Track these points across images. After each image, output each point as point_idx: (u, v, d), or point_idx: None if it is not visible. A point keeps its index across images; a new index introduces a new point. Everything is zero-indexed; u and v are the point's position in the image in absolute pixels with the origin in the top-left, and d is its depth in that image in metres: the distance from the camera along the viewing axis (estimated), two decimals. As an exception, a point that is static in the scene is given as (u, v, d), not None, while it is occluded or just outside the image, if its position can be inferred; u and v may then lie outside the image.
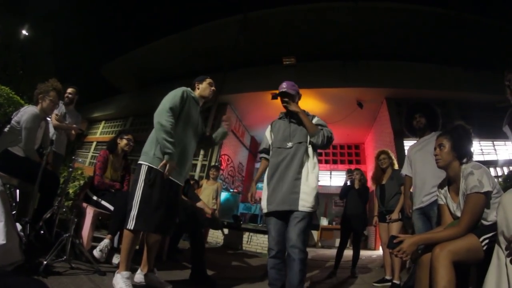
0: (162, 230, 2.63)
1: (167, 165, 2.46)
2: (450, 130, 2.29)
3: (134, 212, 2.44)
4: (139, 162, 2.61)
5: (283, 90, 2.87)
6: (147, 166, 2.54)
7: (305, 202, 2.53)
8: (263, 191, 2.82)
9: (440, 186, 2.37)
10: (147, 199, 2.46)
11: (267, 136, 3.03)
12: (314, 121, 2.84)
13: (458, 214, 2.08)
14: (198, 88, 3.01)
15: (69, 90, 4.70)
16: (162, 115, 2.55)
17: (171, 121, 2.53)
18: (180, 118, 2.70)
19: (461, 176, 2.07)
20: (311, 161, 2.71)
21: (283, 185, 2.63)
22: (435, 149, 2.27)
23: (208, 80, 3.06)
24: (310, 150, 2.75)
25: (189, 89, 2.90)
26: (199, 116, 3.00)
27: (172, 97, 2.67)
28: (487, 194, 1.91)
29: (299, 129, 2.81)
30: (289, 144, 2.76)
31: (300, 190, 2.57)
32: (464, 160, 2.15)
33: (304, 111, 2.89)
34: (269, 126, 3.07)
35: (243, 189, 13.60)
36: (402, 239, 1.94)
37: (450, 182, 2.25)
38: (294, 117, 2.88)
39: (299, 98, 3.00)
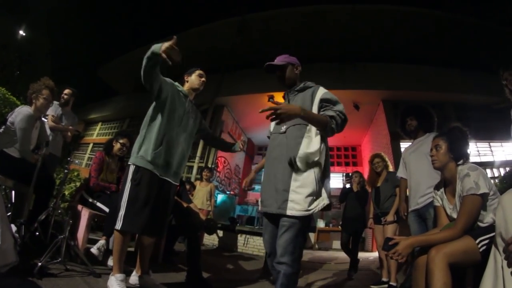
0: (151, 231, 2.59)
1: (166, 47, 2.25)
2: (447, 132, 2.30)
3: (121, 212, 2.42)
4: (128, 162, 2.59)
5: (271, 63, 2.37)
6: (134, 166, 2.51)
7: (295, 204, 1.97)
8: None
9: (437, 187, 2.38)
10: (134, 198, 2.43)
11: (271, 126, 2.48)
12: (319, 95, 2.19)
13: (454, 215, 2.08)
14: (187, 81, 2.96)
15: (66, 91, 4.70)
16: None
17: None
18: (164, 111, 2.62)
19: (458, 177, 2.08)
20: (312, 147, 2.07)
21: (272, 181, 2.12)
22: (431, 150, 2.28)
23: (198, 72, 2.98)
24: (312, 133, 2.11)
25: (176, 83, 2.85)
26: (193, 111, 2.92)
27: None
28: (483, 196, 1.91)
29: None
30: (283, 128, 2.20)
31: (289, 189, 2.02)
32: (461, 162, 2.16)
33: (305, 83, 2.34)
34: None
35: (239, 191, 13.57)
36: (398, 241, 1.94)
37: (447, 184, 2.26)
38: (293, 94, 2.34)
39: (297, 69, 2.42)
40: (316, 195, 2.01)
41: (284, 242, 1.94)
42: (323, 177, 2.09)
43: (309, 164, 2.04)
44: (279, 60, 2.36)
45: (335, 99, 2.18)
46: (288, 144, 2.12)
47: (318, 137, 2.11)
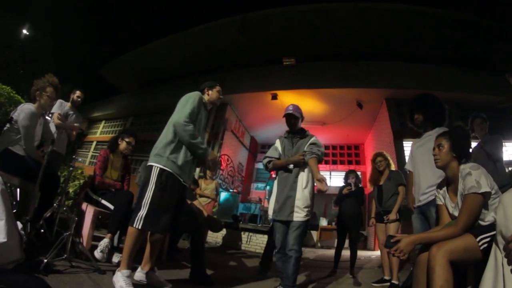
0: (168, 230, 2.70)
1: (211, 162, 2.87)
2: (449, 131, 2.32)
3: (143, 212, 2.46)
4: (150, 163, 2.63)
5: (290, 112, 3.29)
6: (158, 168, 2.57)
7: (298, 214, 3.01)
8: (271, 200, 3.31)
9: (439, 186, 2.39)
10: (157, 201, 2.50)
11: (278, 148, 3.39)
12: (311, 140, 3.21)
13: (456, 214, 2.09)
14: (208, 94, 3.13)
15: (78, 93, 4.77)
16: (183, 123, 2.67)
17: (191, 126, 2.69)
18: (195, 125, 2.78)
19: (460, 176, 2.09)
20: (305, 179, 3.12)
21: (282, 199, 3.12)
22: (434, 149, 2.30)
23: (218, 88, 3.20)
24: (306, 170, 3.15)
25: (200, 94, 3.00)
26: (206, 120, 3.12)
27: (190, 103, 2.79)
28: (485, 195, 1.92)
29: (299, 152, 3.17)
30: (291, 166, 3.17)
31: (294, 204, 3.03)
32: (463, 161, 2.17)
33: (302, 129, 3.40)
34: (278, 140, 3.47)
35: (242, 189, 13.60)
36: (399, 238, 1.95)
37: (449, 182, 2.27)
38: (296, 138, 3.30)
39: (302, 121, 3.42)
40: (309, 208, 3.10)
41: (295, 236, 2.96)
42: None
43: (306, 189, 3.12)
44: (294, 110, 3.31)
45: (319, 144, 3.19)
46: (294, 176, 3.15)
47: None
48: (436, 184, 2.81)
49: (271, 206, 3.26)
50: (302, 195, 3.06)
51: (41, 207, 3.17)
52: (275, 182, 3.34)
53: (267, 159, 3.34)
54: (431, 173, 2.94)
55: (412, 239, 1.94)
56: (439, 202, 2.33)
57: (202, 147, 2.73)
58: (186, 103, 2.79)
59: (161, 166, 2.57)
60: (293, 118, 3.31)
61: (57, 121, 4.19)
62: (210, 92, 3.14)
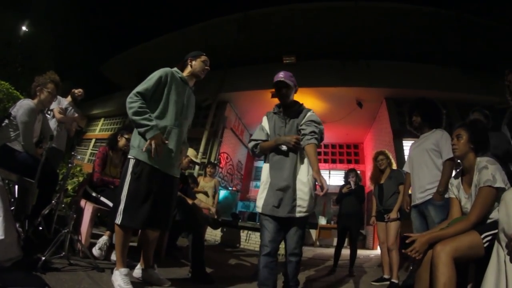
0: (153, 225, 2.55)
1: (152, 144, 2.34)
2: (469, 123, 2.39)
3: (121, 206, 2.38)
4: (128, 156, 2.52)
5: (280, 79, 2.69)
6: (134, 160, 2.45)
7: (302, 208, 2.50)
8: (261, 190, 2.69)
9: (455, 177, 2.43)
10: (134, 193, 2.39)
11: (265, 127, 2.82)
12: (308, 115, 2.67)
13: (468, 206, 2.12)
14: (191, 66, 2.82)
15: (78, 91, 4.79)
16: (130, 97, 2.45)
17: (139, 102, 2.42)
18: (166, 106, 2.57)
19: (476, 168, 2.11)
20: (306, 163, 2.60)
21: (278, 189, 2.54)
22: (452, 139, 2.33)
23: (203, 57, 2.85)
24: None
25: (173, 69, 2.73)
26: (192, 98, 2.86)
27: (146, 80, 2.55)
28: (499, 190, 1.93)
29: (293, 130, 2.66)
30: (284, 147, 2.60)
31: (296, 196, 2.51)
32: (480, 154, 2.20)
33: (297, 102, 2.82)
34: (265, 118, 2.90)
35: (242, 187, 13.59)
36: (414, 238, 1.95)
37: (464, 173, 2.30)
38: (288, 113, 2.75)
39: (295, 91, 2.82)
40: (312, 199, 2.63)
41: (298, 237, 2.56)
42: None
43: (308, 176, 2.62)
44: (286, 78, 2.70)
45: (319, 121, 2.68)
46: (290, 160, 2.61)
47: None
48: (433, 182, 2.85)
49: (261, 198, 2.64)
50: (304, 184, 2.55)
51: (39, 204, 3.14)
52: (266, 169, 2.72)
53: (253, 143, 2.79)
54: (428, 173, 3.02)
55: (427, 239, 1.93)
56: (451, 195, 2.36)
57: (143, 124, 2.36)
58: (147, 79, 2.56)
59: (135, 157, 2.45)
60: (284, 87, 2.71)
61: (59, 116, 4.16)
62: (194, 62, 2.80)
